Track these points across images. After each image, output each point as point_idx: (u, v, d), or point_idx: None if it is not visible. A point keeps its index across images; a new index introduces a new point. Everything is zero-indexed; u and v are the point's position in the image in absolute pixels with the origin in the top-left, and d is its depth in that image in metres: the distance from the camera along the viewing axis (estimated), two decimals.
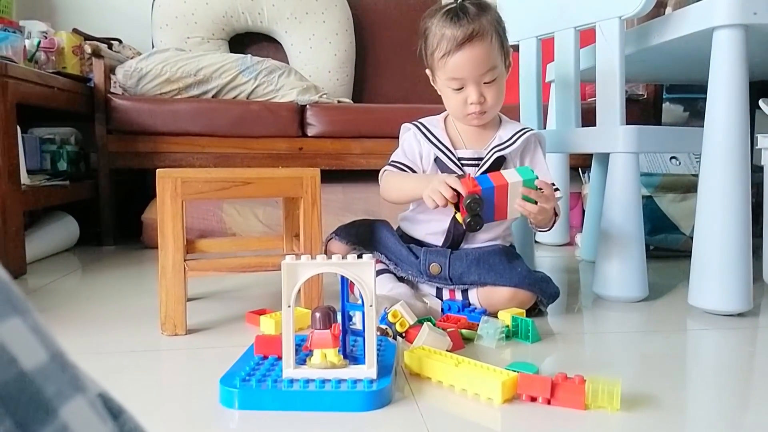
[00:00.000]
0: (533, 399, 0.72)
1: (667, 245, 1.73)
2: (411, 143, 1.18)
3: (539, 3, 1.44)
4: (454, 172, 1.12)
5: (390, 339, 0.88)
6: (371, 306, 0.73)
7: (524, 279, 1.07)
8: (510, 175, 1.01)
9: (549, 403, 0.71)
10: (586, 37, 1.37)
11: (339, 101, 2.20)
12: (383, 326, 0.90)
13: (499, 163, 1.13)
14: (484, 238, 1.15)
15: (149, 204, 1.98)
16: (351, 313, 0.78)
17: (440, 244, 1.14)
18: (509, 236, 1.21)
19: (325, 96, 2.14)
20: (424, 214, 1.16)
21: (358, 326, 0.76)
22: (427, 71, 1.18)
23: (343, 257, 0.75)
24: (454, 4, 1.11)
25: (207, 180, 0.98)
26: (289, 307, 0.73)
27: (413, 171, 1.16)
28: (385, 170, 1.18)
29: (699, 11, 1.11)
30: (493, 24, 1.09)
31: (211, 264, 1.02)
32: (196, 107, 1.98)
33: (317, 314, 0.74)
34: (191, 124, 1.96)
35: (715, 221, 1.10)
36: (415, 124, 1.19)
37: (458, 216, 1.01)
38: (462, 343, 0.92)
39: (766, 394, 0.78)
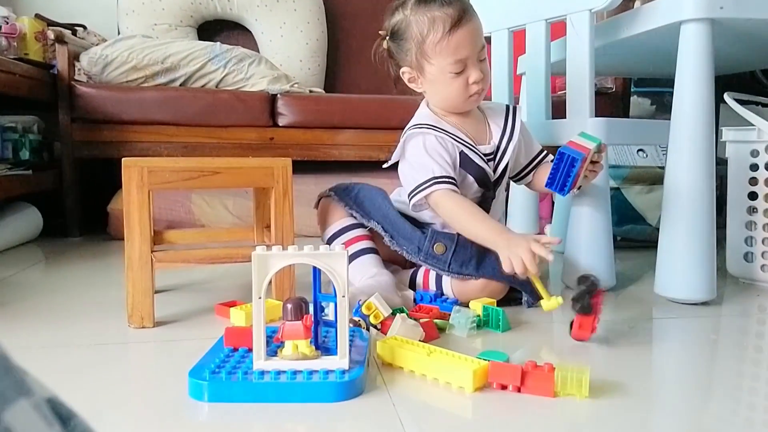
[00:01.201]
0: (504, 387, 0.73)
1: (633, 236, 1.76)
2: (438, 151, 1.08)
3: None
4: (481, 168, 1.10)
5: (364, 331, 0.88)
6: (344, 297, 0.72)
7: (516, 280, 1.06)
8: (582, 141, 1.04)
9: (519, 390, 0.72)
10: (557, 30, 1.38)
11: (311, 91, 2.18)
12: (357, 318, 0.90)
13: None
14: None
15: (115, 194, 1.94)
16: (323, 303, 0.77)
17: (445, 229, 1.12)
18: None
19: (296, 85, 2.12)
20: None
21: (331, 317, 0.76)
22: (405, 70, 1.11)
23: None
24: None
25: (174, 169, 0.96)
26: (260, 298, 0.72)
27: (456, 182, 1.07)
28: (434, 190, 1.05)
29: (667, 5, 1.12)
30: (469, 1, 1.10)
31: (179, 255, 1.00)
32: (163, 95, 1.94)
33: (289, 305, 0.73)
34: (158, 112, 1.93)
35: (681, 212, 1.12)
36: (429, 127, 1.10)
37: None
38: (437, 333, 0.92)
39: (728, 380, 0.80)
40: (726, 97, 1.29)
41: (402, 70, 1.12)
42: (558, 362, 0.74)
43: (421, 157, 1.08)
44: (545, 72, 1.37)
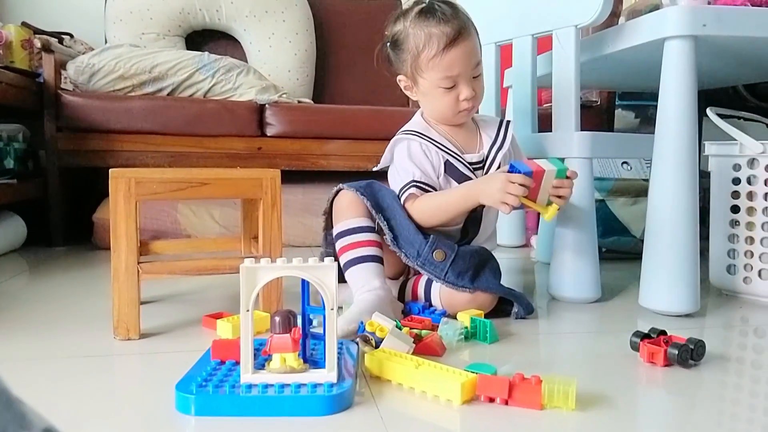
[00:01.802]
0: (492, 399, 0.73)
1: (618, 247, 1.78)
2: (420, 158, 1.12)
3: (499, 10, 1.46)
4: (467, 176, 1.12)
5: (369, 347, 0.87)
6: (332, 309, 0.72)
7: (508, 291, 1.10)
8: (541, 162, 1.04)
9: (507, 403, 0.73)
10: (544, 43, 1.39)
11: (299, 101, 2.18)
12: (364, 334, 0.89)
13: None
14: (484, 238, 1.18)
15: (101, 204, 1.92)
16: (312, 316, 0.77)
17: (452, 238, 1.13)
18: (495, 238, 1.26)
19: (284, 95, 2.12)
20: None
21: (320, 330, 0.76)
22: (401, 78, 1.15)
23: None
24: (424, 4, 1.10)
25: (162, 180, 0.96)
26: (248, 311, 0.72)
27: (435, 190, 1.12)
28: (408, 194, 1.10)
29: (651, 22, 1.14)
30: (469, 19, 1.12)
31: (165, 266, 0.99)
32: (150, 105, 1.93)
33: (277, 318, 0.73)
34: (145, 122, 1.92)
35: (665, 225, 1.14)
36: (414, 134, 1.14)
37: (534, 206, 1.03)
38: (440, 352, 0.90)
39: (712, 392, 0.81)
40: (708, 112, 1.32)
41: (398, 77, 1.16)
42: (545, 375, 0.74)
43: (405, 163, 1.13)
44: (531, 86, 1.38)
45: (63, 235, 1.94)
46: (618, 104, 2.47)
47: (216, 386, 0.71)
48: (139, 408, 0.73)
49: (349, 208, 1.10)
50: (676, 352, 0.86)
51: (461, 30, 1.07)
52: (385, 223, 1.09)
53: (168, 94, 2.00)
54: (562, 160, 1.15)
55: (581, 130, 1.26)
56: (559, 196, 1.06)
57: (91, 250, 1.86)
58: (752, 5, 1.26)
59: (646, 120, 2.51)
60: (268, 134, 2.02)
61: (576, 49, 1.24)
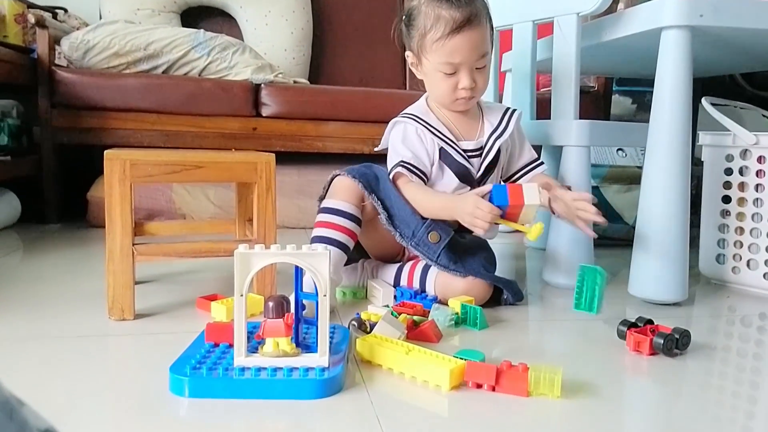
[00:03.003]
0: (479, 386, 0.75)
1: (611, 234, 1.79)
2: (414, 142, 1.13)
3: None
4: (462, 164, 1.13)
5: (361, 333, 0.88)
6: (325, 296, 0.73)
7: (498, 278, 1.10)
8: (529, 194, 1.01)
9: (494, 390, 0.74)
10: (544, 28, 1.39)
11: (295, 81, 2.17)
12: (359, 319, 0.90)
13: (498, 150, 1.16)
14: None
15: (95, 181, 1.92)
16: (305, 301, 0.78)
17: (451, 227, 1.13)
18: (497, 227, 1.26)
19: (280, 75, 2.11)
20: None
21: (312, 315, 0.77)
22: (409, 54, 1.15)
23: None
24: None
25: (157, 163, 0.96)
26: (242, 296, 0.73)
27: (425, 174, 1.13)
28: (397, 172, 1.11)
29: (649, 11, 1.14)
30: (485, 6, 1.10)
31: (160, 249, 1.00)
32: (145, 83, 1.92)
33: (270, 303, 0.74)
34: (140, 100, 1.91)
35: (655, 215, 1.15)
36: (411, 118, 1.14)
37: (515, 227, 1.04)
38: (437, 339, 0.92)
39: (697, 381, 0.83)
40: (703, 101, 1.32)
41: (407, 53, 1.16)
42: (532, 363, 0.76)
43: (397, 145, 1.14)
44: (531, 73, 1.38)
45: (57, 213, 1.94)
46: (615, 90, 2.47)
47: (209, 369, 0.72)
48: (133, 389, 0.74)
49: (340, 191, 1.12)
50: (662, 342, 0.87)
51: (471, 18, 1.06)
52: (378, 203, 1.10)
53: (163, 72, 1.98)
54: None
55: (579, 117, 1.27)
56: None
57: (85, 229, 1.86)
58: None
59: (643, 106, 2.51)
60: (264, 115, 2.01)
61: (577, 37, 1.24)
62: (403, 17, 1.15)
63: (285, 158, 2.08)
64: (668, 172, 1.13)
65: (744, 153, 1.28)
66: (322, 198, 1.16)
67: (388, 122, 1.18)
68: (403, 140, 1.14)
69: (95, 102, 1.87)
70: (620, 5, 1.49)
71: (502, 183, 1.18)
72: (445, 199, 1.10)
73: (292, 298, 0.78)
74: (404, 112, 1.18)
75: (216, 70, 2.03)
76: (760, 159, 1.26)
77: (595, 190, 1.80)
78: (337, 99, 2.07)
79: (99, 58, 1.91)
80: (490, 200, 1.01)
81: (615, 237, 1.79)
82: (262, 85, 2.01)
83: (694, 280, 1.35)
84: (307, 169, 2.08)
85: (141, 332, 0.93)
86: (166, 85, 1.93)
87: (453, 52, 1.06)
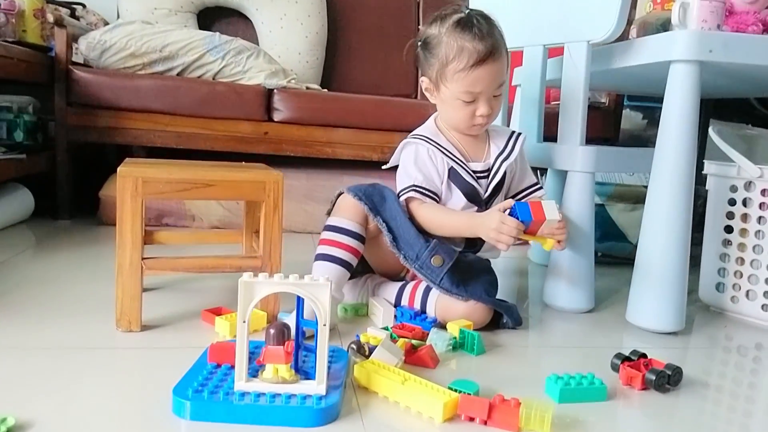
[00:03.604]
0: (471, 419, 0.77)
1: (614, 253, 1.80)
2: (426, 163, 1.15)
3: (512, 16, 1.45)
4: (470, 184, 1.15)
5: (360, 357, 0.90)
6: (325, 325, 0.75)
7: (499, 303, 1.12)
8: (548, 209, 1.07)
9: (486, 423, 0.76)
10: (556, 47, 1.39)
11: (308, 87, 2.19)
12: (359, 342, 0.93)
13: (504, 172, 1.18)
14: (490, 246, 1.19)
15: (107, 180, 1.95)
16: (305, 329, 0.80)
17: (459, 246, 1.16)
18: None
19: (293, 81, 2.13)
20: None
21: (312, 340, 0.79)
22: (424, 80, 1.17)
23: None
24: (463, 15, 1.11)
25: (168, 180, 0.98)
26: (244, 322, 0.75)
27: (437, 196, 1.15)
28: (409, 196, 1.13)
29: (659, 44, 1.15)
30: (503, 37, 1.13)
31: (168, 263, 1.02)
32: (159, 84, 1.95)
33: (272, 331, 0.76)
34: (154, 101, 1.93)
35: (656, 246, 1.16)
36: (422, 139, 1.16)
37: (534, 239, 1.09)
38: (431, 364, 0.94)
39: (688, 417, 0.84)
40: (711, 131, 1.33)
41: (422, 78, 1.18)
42: (524, 397, 0.78)
43: (409, 166, 1.16)
44: (539, 96, 1.39)
45: (69, 209, 1.98)
46: (626, 105, 2.47)
47: (211, 392, 0.75)
48: (137, 407, 0.76)
49: (345, 209, 1.14)
50: (653, 378, 0.89)
51: (493, 50, 1.08)
52: (384, 224, 1.11)
53: (177, 74, 2.01)
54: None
55: (588, 131, 1.28)
56: (558, 240, 1.09)
57: (96, 226, 1.89)
58: (764, 26, 1.26)
59: (653, 122, 2.51)
60: (275, 119, 2.03)
61: (587, 64, 1.25)
62: (419, 42, 1.16)
63: (294, 162, 2.11)
64: (669, 207, 1.14)
65: (748, 185, 1.29)
66: (329, 212, 1.18)
67: (398, 131, 1.20)
68: (415, 161, 1.16)
69: (110, 102, 1.90)
70: (632, 30, 1.50)
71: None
72: (467, 216, 1.12)
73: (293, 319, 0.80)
74: (415, 133, 1.20)
75: (230, 74, 2.05)
76: (763, 192, 1.27)
77: (600, 208, 1.81)
78: (348, 106, 2.08)
79: (115, 59, 1.94)
80: (513, 216, 1.05)
81: (618, 256, 1.80)
82: (275, 90, 2.03)
83: (693, 306, 1.37)
84: (315, 173, 2.10)
85: (147, 346, 0.96)
86: (181, 88, 1.95)
87: (475, 83, 1.09)
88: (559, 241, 1.09)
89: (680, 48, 1.10)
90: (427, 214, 1.13)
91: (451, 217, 1.14)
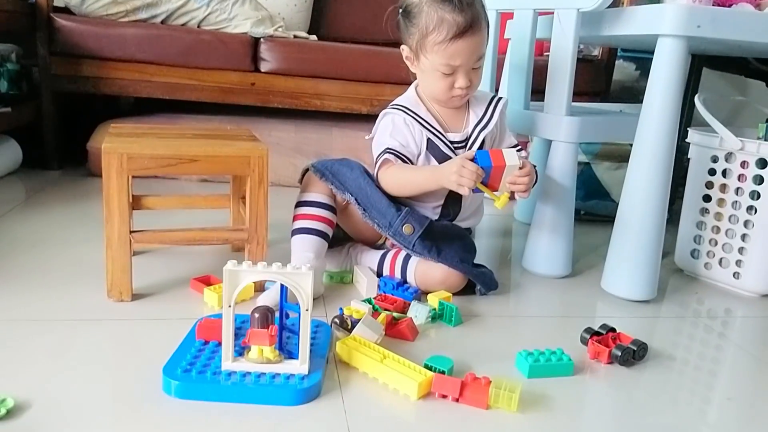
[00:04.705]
0: (445, 396, 0.82)
1: (597, 211, 1.84)
2: (402, 130, 1.16)
3: None
4: (447, 155, 1.15)
5: (343, 332, 0.95)
6: (307, 310, 0.79)
7: (471, 270, 1.15)
8: (509, 157, 1.07)
9: (458, 401, 0.81)
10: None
11: (295, 36, 2.15)
12: (341, 316, 0.97)
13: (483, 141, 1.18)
14: (467, 214, 1.23)
15: (95, 131, 1.94)
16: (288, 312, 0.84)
17: (433, 216, 1.18)
18: (480, 214, 1.30)
19: (281, 29, 2.08)
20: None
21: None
22: (404, 48, 1.16)
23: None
24: None
25: (153, 156, 0.99)
26: (230, 307, 0.78)
27: (411, 161, 1.16)
28: (383, 159, 1.14)
29: (648, 16, 1.14)
30: (483, 8, 1.12)
31: (156, 236, 1.05)
32: (144, 33, 1.91)
33: (256, 315, 0.80)
34: (139, 50, 1.90)
35: (633, 217, 1.19)
36: (400, 109, 1.17)
37: (488, 193, 1.08)
38: (413, 336, 0.99)
39: (656, 391, 0.90)
40: (696, 101, 1.33)
41: (402, 47, 1.17)
42: (494, 376, 0.83)
43: (384, 135, 1.17)
44: (528, 61, 1.38)
45: (57, 159, 1.97)
46: (620, 55, 2.44)
47: (199, 372, 0.79)
48: (129, 387, 0.80)
49: (313, 183, 1.17)
50: (619, 354, 0.94)
51: (473, 23, 1.07)
52: (352, 197, 1.14)
53: (161, 22, 1.96)
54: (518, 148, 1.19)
55: (578, 85, 1.28)
56: (522, 190, 1.10)
57: (85, 177, 1.90)
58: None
59: (646, 73, 2.48)
60: (262, 70, 2.01)
61: (575, 32, 1.24)
62: (400, 10, 1.14)
63: (283, 114, 2.10)
64: (649, 180, 1.17)
65: (729, 156, 1.31)
66: (300, 181, 1.21)
67: (388, 83, 1.18)
68: (392, 132, 1.17)
69: (94, 51, 1.87)
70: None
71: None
72: (431, 169, 1.13)
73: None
74: (394, 102, 1.20)
75: (215, 21, 2.00)
76: (743, 164, 1.29)
77: (587, 167, 1.83)
78: (337, 57, 2.05)
79: (98, 5, 1.89)
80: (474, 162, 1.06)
81: (601, 214, 1.83)
82: (262, 39, 1.99)
83: (668, 270, 1.42)
84: (304, 125, 2.09)
85: (137, 317, 1.00)
86: (165, 36, 1.91)
87: (454, 55, 1.08)
88: (523, 191, 1.09)
89: (668, 22, 1.09)
90: (393, 174, 1.14)
91: (416, 173, 1.14)
